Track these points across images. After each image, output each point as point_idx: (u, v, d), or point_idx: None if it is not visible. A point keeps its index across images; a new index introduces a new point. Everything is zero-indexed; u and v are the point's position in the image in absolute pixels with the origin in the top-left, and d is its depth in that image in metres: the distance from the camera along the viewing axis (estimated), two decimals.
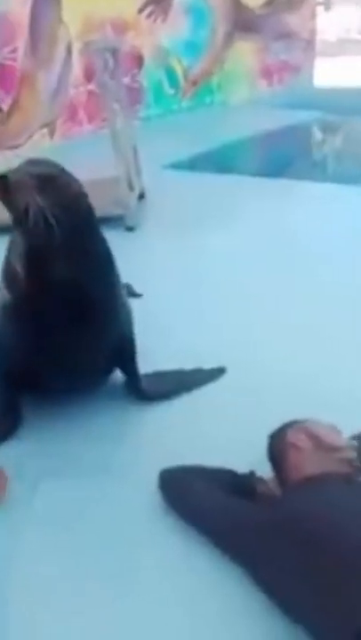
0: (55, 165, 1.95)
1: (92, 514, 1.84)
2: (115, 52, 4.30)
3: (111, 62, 4.28)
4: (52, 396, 2.31)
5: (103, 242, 2.06)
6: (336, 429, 1.70)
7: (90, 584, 1.62)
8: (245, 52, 9.42)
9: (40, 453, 2.10)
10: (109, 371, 2.33)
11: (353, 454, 1.61)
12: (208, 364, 2.48)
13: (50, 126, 7.05)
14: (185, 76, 8.55)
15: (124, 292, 2.25)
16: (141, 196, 4.68)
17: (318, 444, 1.63)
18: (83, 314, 2.00)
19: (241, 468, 1.80)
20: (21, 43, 6.54)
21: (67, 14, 6.86)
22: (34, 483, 1.95)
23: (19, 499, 1.90)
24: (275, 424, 1.84)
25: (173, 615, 1.52)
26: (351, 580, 1.20)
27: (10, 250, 2.01)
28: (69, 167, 2.02)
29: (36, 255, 1.89)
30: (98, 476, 1.98)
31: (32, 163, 1.90)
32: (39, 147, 6.68)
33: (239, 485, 1.69)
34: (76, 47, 6.95)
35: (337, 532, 1.30)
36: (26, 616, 1.55)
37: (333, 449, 1.61)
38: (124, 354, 2.29)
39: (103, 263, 2.06)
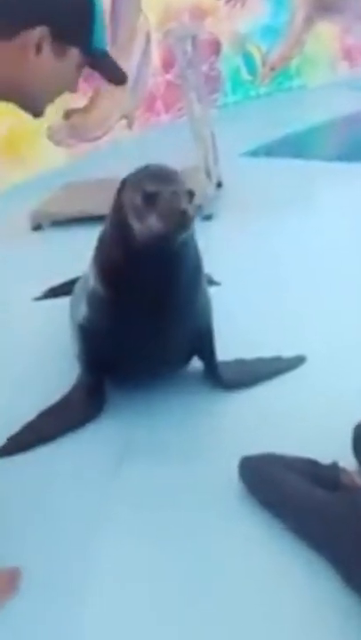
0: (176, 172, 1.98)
1: (173, 497, 1.87)
2: (194, 39, 4.29)
3: (190, 50, 4.28)
4: (134, 382, 2.37)
5: (194, 235, 2.09)
6: None
7: (167, 566, 1.65)
8: (326, 35, 9.12)
9: (121, 437, 2.16)
10: (189, 358, 2.36)
11: None
12: (288, 353, 2.45)
13: (128, 117, 7.14)
14: (263, 62, 8.41)
15: (205, 281, 2.27)
16: (219, 185, 4.67)
17: None
18: (169, 304, 2.04)
19: (323, 458, 1.77)
20: None
21: (146, 3, 6.89)
22: (116, 465, 2.02)
23: (101, 479, 1.97)
24: (359, 415, 1.80)
25: (249, 601, 1.53)
26: None
27: (110, 245, 2.05)
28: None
29: (146, 255, 1.93)
30: (178, 462, 2.01)
31: (167, 176, 1.92)
32: (119, 138, 6.79)
33: (322, 476, 1.67)
34: (155, 36, 6.99)
35: None
36: (103, 596, 1.59)
37: None
38: (203, 341, 2.31)
39: (194, 257, 2.09)
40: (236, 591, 1.56)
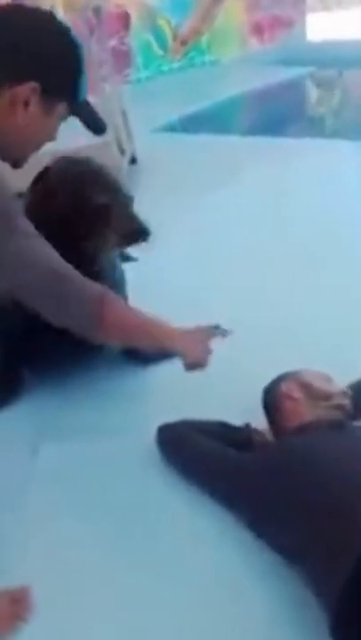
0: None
1: (93, 473, 1.86)
2: (97, 11, 4.19)
3: (95, 23, 4.18)
4: (52, 363, 2.32)
5: None
6: (328, 378, 1.71)
7: (93, 542, 1.64)
8: (235, 9, 9.16)
9: (40, 418, 2.12)
10: None
11: (345, 401, 1.62)
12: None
13: None
14: (174, 36, 8.34)
15: (117, 257, 2.25)
16: (133, 161, 4.63)
17: (311, 392, 1.64)
18: None
19: (239, 422, 1.81)
20: None
21: None
22: (34, 446, 1.98)
23: (20, 462, 1.92)
24: (270, 378, 1.85)
25: (172, 568, 1.55)
26: (335, 521, 1.23)
27: None
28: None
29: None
30: (99, 437, 2.00)
31: (110, 180, 1.99)
32: None
33: (235, 437, 1.71)
34: (60, 11, 6.77)
35: (321, 470, 1.33)
36: (31, 576, 1.56)
37: (325, 396, 1.62)
38: None
39: None
40: (155, 559, 1.58)
